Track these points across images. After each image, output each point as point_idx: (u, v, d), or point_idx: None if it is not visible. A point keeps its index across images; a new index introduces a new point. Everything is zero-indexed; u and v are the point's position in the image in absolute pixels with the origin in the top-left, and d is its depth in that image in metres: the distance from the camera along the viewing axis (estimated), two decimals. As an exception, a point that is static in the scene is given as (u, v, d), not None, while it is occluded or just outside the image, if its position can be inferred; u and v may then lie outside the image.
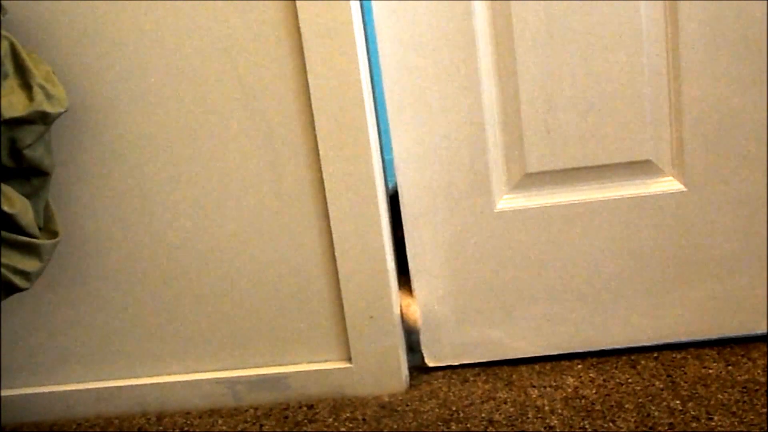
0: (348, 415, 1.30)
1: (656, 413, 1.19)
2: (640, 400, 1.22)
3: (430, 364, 1.38)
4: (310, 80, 1.20)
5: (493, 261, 1.32)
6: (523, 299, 1.33)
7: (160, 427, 1.33)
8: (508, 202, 1.30)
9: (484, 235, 1.31)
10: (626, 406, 1.21)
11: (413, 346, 1.38)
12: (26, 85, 1.10)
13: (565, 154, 1.26)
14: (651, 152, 1.26)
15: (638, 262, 1.31)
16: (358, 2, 1.20)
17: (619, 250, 1.30)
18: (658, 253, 1.30)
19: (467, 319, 1.35)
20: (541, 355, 1.36)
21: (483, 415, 1.25)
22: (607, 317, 1.33)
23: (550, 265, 1.32)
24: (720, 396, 1.21)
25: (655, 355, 1.33)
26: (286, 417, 1.31)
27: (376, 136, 1.26)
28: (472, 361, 1.37)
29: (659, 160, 1.27)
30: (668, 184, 1.28)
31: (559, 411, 1.23)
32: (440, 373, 1.37)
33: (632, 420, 1.18)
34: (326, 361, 1.35)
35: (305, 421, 1.29)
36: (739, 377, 1.25)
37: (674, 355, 1.32)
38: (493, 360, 1.37)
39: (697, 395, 1.22)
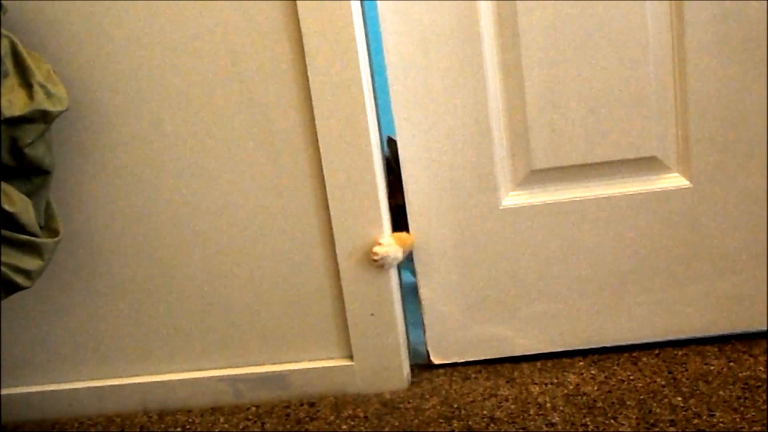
0: (350, 412, 1.29)
1: (658, 410, 1.19)
2: (641, 396, 1.23)
3: (436, 361, 1.37)
4: (310, 80, 1.19)
5: (498, 258, 1.32)
6: (527, 296, 1.33)
7: (162, 425, 1.33)
8: (513, 199, 1.30)
9: (490, 232, 1.31)
10: (628, 402, 1.22)
11: (414, 344, 1.38)
12: (27, 84, 1.09)
13: (570, 150, 1.26)
14: (656, 149, 1.26)
15: (642, 258, 1.30)
16: (358, 2, 1.19)
17: (624, 247, 1.30)
18: (663, 249, 1.30)
19: (472, 316, 1.35)
20: (542, 352, 1.36)
21: (485, 412, 1.25)
22: (609, 314, 1.33)
23: (554, 262, 1.31)
24: (721, 392, 1.21)
25: (657, 351, 1.33)
26: (288, 415, 1.31)
27: (377, 134, 1.26)
28: (475, 359, 1.37)
29: (665, 156, 1.27)
30: (673, 181, 1.27)
31: (561, 408, 1.23)
32: (442, 371, 1.37)
33: (634, 417, 1.18)
34: (328, 358, 1.35)
35: (307, 418, 1.29)
36: (740, 374, 1.25)
37: (675, 352, 1.32)
38: (495, 357, 1.37)
39: (698, 392, 1.22)
